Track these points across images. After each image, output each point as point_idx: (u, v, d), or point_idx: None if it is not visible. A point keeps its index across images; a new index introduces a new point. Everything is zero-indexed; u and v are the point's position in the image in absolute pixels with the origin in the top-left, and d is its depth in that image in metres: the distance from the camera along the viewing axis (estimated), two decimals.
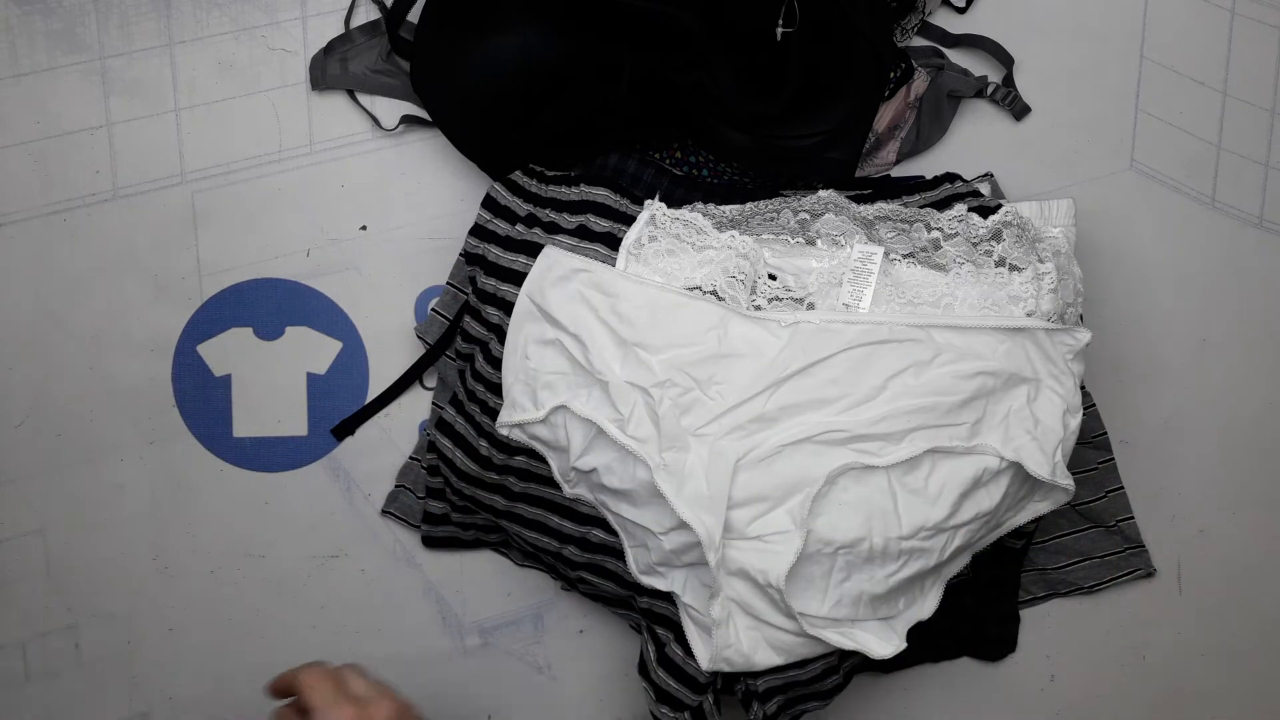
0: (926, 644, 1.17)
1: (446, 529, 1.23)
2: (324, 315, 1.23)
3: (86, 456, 1.23)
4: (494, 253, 1.15)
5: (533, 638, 1.26)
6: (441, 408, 1.18)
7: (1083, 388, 1.10)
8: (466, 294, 1.18)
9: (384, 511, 1.25)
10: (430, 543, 1.24)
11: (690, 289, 1.05)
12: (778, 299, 1.07)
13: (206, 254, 1.22)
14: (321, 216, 1.22)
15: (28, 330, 1.22)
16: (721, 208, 1.10)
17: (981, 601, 1.24)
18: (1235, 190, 1.22)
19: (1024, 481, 1.05)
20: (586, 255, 1.08)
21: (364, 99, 1.20)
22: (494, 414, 1.11)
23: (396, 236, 1.22)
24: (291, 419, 1.24)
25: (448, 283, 1.21)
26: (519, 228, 1.14)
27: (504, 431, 1.08)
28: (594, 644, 1.26)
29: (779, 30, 1.08)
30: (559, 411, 1.05)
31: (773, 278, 1.08)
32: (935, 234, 1.09)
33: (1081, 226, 1.18)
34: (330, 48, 1.19)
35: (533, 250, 1.10)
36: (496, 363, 1.12)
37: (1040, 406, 1.04)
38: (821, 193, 1.10)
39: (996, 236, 1.08)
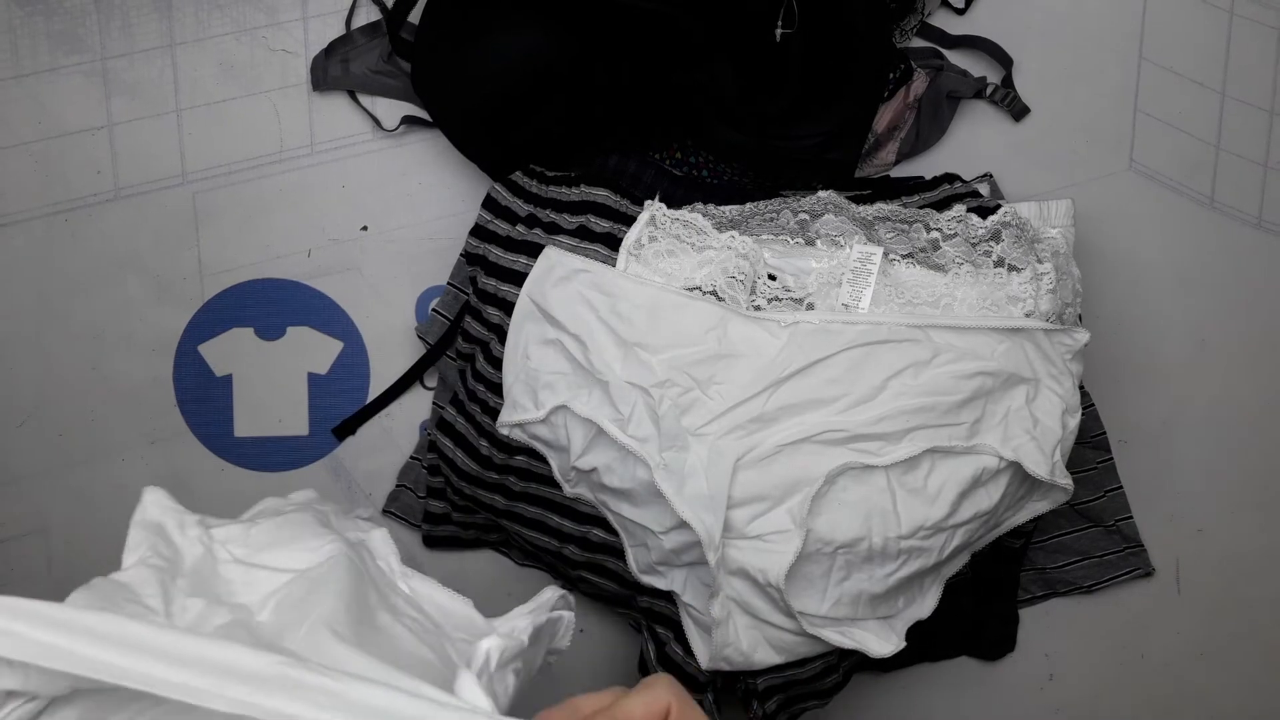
0: (926, 643, 1.17)
1: (447, 528, 1.23)
2: (325, 315, 1.23)
3: (88, 456, 1.23)
4: (495, 253, 1.15)
5: None
6: (442, 407, 1.19)
7: (1081, 387, 1.11)
8: (467, 294, 1.18)
9: (385, 511, 1.25)
10: (431, 542, 1.24)
11: (690, 289, 1.05)
12: (777, 299, 1.07)
13: (208, 254, 1.22)
14: (322, 217, 1.22)
15: (30, 330, 1.22)
16: (721, 208, 1.11)
17: (981, 601, 1.24)
18: (1234, 190, 1.22)
19: (1023, 481, 1.05)
20: (587, 255, 1.09)
21: (365, 99, 1.20)
22: (495, 414, 1.11)
23: (397, 237, 1.22)
24: (292, 419, 1.24)
25: (448, 283, 1.21)
26: (519, 228, 1.14)
27: (504, 431, 1.08)
28: (594, 644, 1.26)
29: (779, 31, 1.08)
30: (559, 411, 1.05)
31: (772, 278, 1.08)
32: (934, 234, 1.09)
33: (1081, 227, 1.18)
34: (331, 49, 1.19)
35: (533, 250, 1.11)
36: (497, 363, 1.12)
37: (1039, 406, 1.04)
38: (821, 193, 1.10)
39: (995, 237, 1.08)
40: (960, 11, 1.19)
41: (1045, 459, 1.03)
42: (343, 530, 0.78)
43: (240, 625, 0.62)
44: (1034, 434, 1.03)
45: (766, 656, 1.03)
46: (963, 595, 1.21)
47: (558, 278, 1.06)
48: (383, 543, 0.77)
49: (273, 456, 1.24)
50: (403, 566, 0.77)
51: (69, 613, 0.50)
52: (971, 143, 1.20)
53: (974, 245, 1.09)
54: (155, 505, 0.69)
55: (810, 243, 1.10)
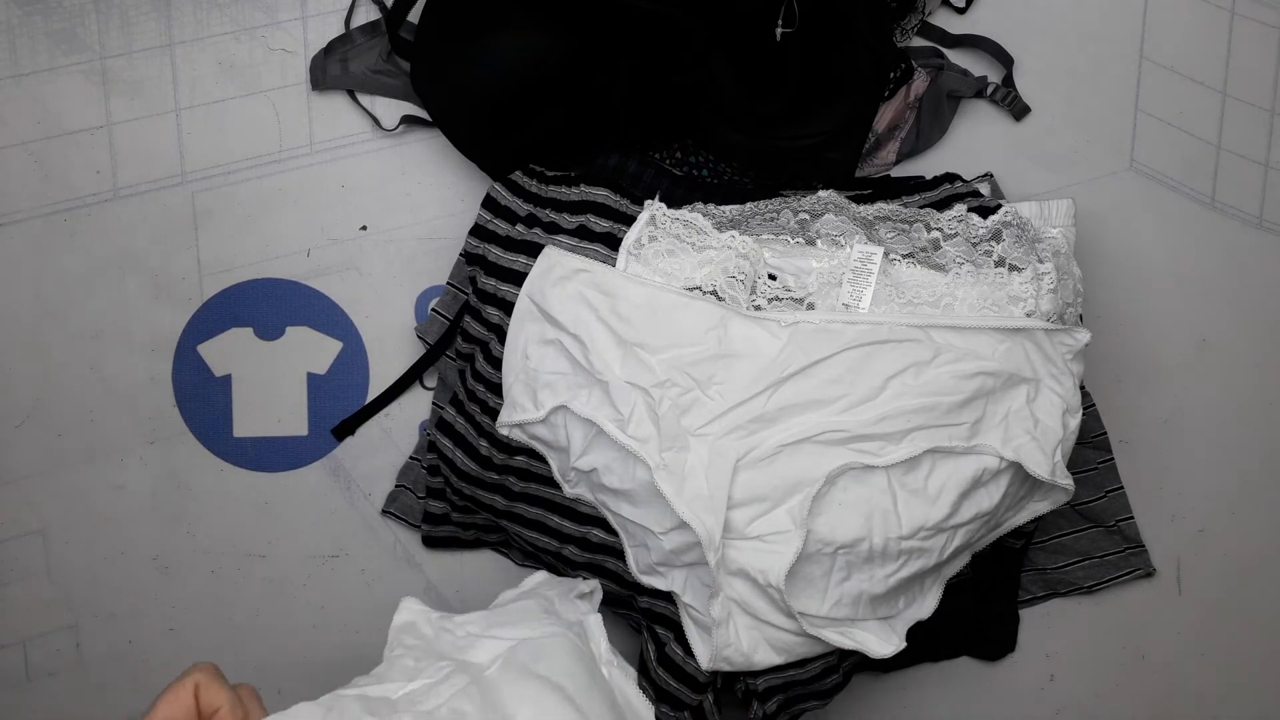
0: (926, 644, 1.17)
1: (447, 529, 1.23)
2: (324, 315, 1.23)
3: (87, 456, 1.23)
4: (494, 253, 1.15)
5: None
6: (442, 407, 1.18)
7: (1082, 388, 1.10)
8: (467, 294, 1.18)
9: (384, 511, 1.25)
10: (430, 542, 1.24)
11: (690, 289, 1.05)
12: (778, 299, 1.07)
13: (207, 254, 1.22)
14: (321, 216, 1.22)
15: (28, 330, 1.22)
16: (721, 208, 1.11)
17: (981, 601, 1.24)
18: (1235, 190, 1.22)
19: (1024, 481, 1.05)
20: (586, 255, 1.09)
21: (364, 99, 1.20)
22: (494, 414, 1.11)
23: (397, 236, 1.22)
24: (292, 419, 1.24)
25: (448, 283, 1.21)
26: (519, 228, 1.14)
27: (504, 431, 1.08)
28: None
29: (779, 30, 1.08)
30: (559, 411, 1.05)
31: (773, 278, 1.08)
32: (935, 234, 1.09)
33: (1081, 226, 1.18)
34: (330, 48, 1.19)
35: (533, 250, 1.11)
36: (497, 363, 1.12)
37: (1040, 406, 1.04)
38: (821, 193, 1.10)
39: (996, 237, 1.08)
40: (961, 11, 1.19)
41: (1046, 459, 1.03)
42: (564, 613, 0.98)
43: (473, 682, 0.81)
44: (1035, 434, 1.03)
45: (767, 657, 1.03)
46: (963, 596, 1.21)
47: (557, 277, 1.06)
48: (596, 627, 0.96)
49: (272, 457, 1.24)
50: (607, 653, 0.94)
51: None
52: (972, 142, 1.20)
53: (975, 245, 1.08)
54: (408, 610, 0.92)
55: (811, 242, 1.10)
